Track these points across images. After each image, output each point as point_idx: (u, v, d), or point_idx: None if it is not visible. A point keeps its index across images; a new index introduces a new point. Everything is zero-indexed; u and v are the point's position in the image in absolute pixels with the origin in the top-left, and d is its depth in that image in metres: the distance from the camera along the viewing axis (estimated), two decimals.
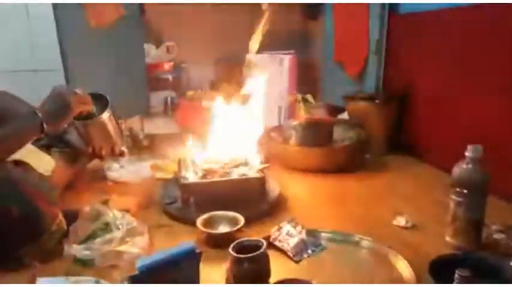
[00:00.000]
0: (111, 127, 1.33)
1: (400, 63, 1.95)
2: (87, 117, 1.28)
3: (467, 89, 1.53)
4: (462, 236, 1.07)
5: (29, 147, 1.30)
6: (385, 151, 1.86)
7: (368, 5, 2.05)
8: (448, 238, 1.10)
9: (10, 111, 1.31)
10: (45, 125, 1.08)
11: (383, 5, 1.97)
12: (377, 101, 1.86)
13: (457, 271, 0.83)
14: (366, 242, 1.10)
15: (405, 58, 1.90)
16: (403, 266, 0.98)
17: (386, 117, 1.85)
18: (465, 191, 1.05)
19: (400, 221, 1.22)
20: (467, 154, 1.05)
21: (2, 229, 0.98)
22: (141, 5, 2.52)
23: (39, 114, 1.08)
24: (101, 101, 1.32)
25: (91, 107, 1.24)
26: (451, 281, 0.84)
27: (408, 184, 1.56)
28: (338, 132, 1.83)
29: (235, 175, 1.37)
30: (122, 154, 1.42)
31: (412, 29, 1.84)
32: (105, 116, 1.29)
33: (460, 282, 0.83)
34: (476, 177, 1.04)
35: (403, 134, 1.88)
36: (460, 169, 1.06)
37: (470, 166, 1.04)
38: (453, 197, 1.07)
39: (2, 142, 1.05)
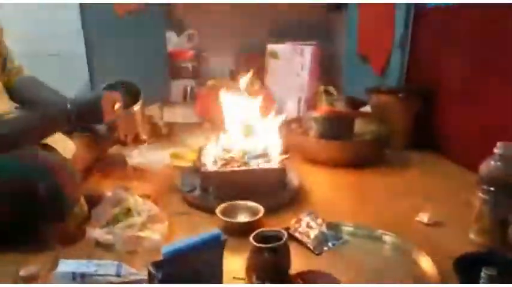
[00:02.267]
0: (139, 117, 1.36)
1: (424, 57, 1.91)
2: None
3: (494, 84, 1.48)
4: (488, 234, 1.05)
5: None
6: (407, 146, 1.82)
7: None
8: (472, 236, 1.08)
9: (39, 98, 1.34)
10: (72, 118, 1.14)
11: None
12: (400, 95, 1.82)
13: (483, 270, 0.81)
14: (388, 238, 1.08)
15: (430, 52, 1.86)
16: (426, 263, 0.96)
17: (409, 111, 1.81)
18: (492, 188, 1.02)
19: (423, 217, 1.20)
20: (496, 151, 1.02)
21: (29, 205, 1.00)
22: None
23: (69, 108, 1.14)
24: (130, 89, 1.34)
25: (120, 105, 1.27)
26: (476, 280, 0.83)
27: (430, 180, 1.53)
28: (359, 126, 1.80)
29: (255, 165, 1.37)
30: (144, 141, 1.43)
31: (438, 22, 1.79)
32: (136, 108, 1.32)
33: (486, 281, 0.81)
34: (505, 175, 1.01)
35: (426, 129, 1.84)
36: (488, 166, 1.03)
37: (499, 163, 1.02)
38: (480, 194, 1.05)
39: (31, 129, 1.11)
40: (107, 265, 0.89)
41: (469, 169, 1.53)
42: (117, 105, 1.24)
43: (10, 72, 1.35)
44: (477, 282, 0.82)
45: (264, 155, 1.41)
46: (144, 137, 1.47)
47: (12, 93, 1.36)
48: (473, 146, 1.54)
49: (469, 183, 1.16)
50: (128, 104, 1.35)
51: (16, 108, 1.38)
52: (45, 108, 1.19)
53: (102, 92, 1.26)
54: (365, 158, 1.66)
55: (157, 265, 0.71)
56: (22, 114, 1.18)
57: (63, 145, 1.29)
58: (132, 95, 1.37)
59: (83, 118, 1.19)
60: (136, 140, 1.40)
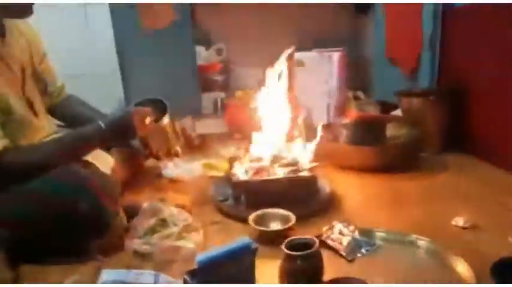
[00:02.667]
0: (169, 131, 1.40)
1: (455, 58, 1.87)
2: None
3: None
4: None
5: None
6: (440, 149, 1.79)
7: None
8: (511, 239, 1.05)
9: (79, 117, 1.42)
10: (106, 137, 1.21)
11: None
12: (432, 97, 1.79)
13: None
14: (422, 243, 1.07)
15: (461, 52, 1.82)
16: (462, 268, 0.94)
17: (441, 114, 1.78)
18: None
19: (459, 221, 1.17)
20: None
21: (71, 222, 1.04)
22: (191, 7, 2.58)
23: (105, 129, 1.19)
24: (159, 105, 1.39)
25: (151, 120, 1.32)
26: None
27: (466, 183, 1.49)
28: (391, 130, 1.79)
29: (286, 173, 1.38)
30: (176, 154, 1.48)
31: (467, 21, 1.76)
32: (165, 121, 1.36)
33: None
34: None
35: (459, 132, 1.80)
36: None
37: None
38: None
39: (65, 152, 1.17)
40: (145, 274, 0.92)
41: (506, 170, 1.48)
42: (147, 120, 1.29)
43: (52, 94, 1.44)
44: None
45: (294, 164, 1.43)
46: (177, 149, 1.51)
47: (54, 112, 1.45)
48: (509, 146, 1.50)
49: (507, 185, 1.13)
50: (156, 119, 1.40)
51: (58, 126, 1.46)
52: (79, 129, 1.25)
53: (132, 108, 1.32)
54: (398, 162, 1.63)
55: (192, 273, 0.73)
56: (55, 139, 1.24)
57: (102, 159, 1.35)
58: (160, 111, 1.42)
59: (116, 135, 1.24)
60: (169, 154, 1.44)
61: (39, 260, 1.07)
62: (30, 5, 1.16)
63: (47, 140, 1.26)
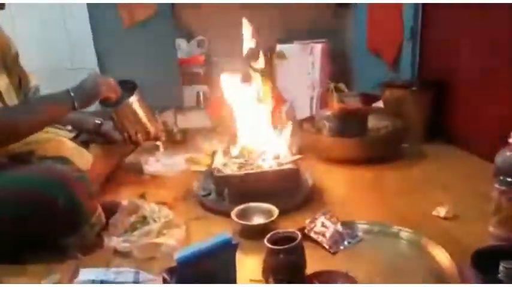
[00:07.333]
0: (140, 110, 1.38)
1: (436, 48, 1.88)
2: (118, 103, 1.34)
3: (509, 72, 1.45)
4: (507, 226, 1.02)
5: (69, 144, 1.36)
6: (423, 139, 1.80)
7: None
8: (491, 229, 1.06)
9: None
10: (76, 104, 1.19)
11: None
12: (413, 88, 1.80)
13: (501, 263, 0.80)
14: (404, 233, 1.07)
15: (442, 42, 1.83)
16: (443, 258, 0.95)
17: (423, 104, 1.79)
18: (509, 179, 1.00)
19: (440, 211, 1.18)
20: (511, 140, 1.00)
21: (48, 218, 1.03)
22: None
23: (72, 94, 1.19)
24: (130, 87, 1.36)
25: (118, 94, 1.32)
26: (495, 274, 0.81)
27: (448, 173, 1.51)
28: (373, 122, 1.79)
29: (269, 166, 1.37)
30: (157, 138, 1.45)
31: (448, 11, 1.76)
32: (133, 99, 1.35)
33: (505, 274, 0.79)
34: None
35: (441, 122, 1.81)
36: (504, 156, 1.01)
37: None
38: (496, 185, 1.03)
39: (33, 113, 1.16)
40: (125, 273, 0.91)
41: (487, 159, 1.50)
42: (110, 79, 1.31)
43: (26, 93, 1.40)
44: (496, 276, 0.80)
45: (277, 157, 1.41)
46: (157, 133, 1.47)
47: None
48: (491, 136, 1.51)
49: (488, 174, 1.13)
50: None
51: None
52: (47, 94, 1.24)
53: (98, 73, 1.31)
54: (380, 153, 1.64)
55: (171, 271, 0.72)
56: (24, 102, 1.24)
57: (80, 156, 1.32)
58: (130, 91, 1.39)
59: (83, 94, 1.22)
60: (149, 137, 1.42)
61: (16, 259, 1.05)
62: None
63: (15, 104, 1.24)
